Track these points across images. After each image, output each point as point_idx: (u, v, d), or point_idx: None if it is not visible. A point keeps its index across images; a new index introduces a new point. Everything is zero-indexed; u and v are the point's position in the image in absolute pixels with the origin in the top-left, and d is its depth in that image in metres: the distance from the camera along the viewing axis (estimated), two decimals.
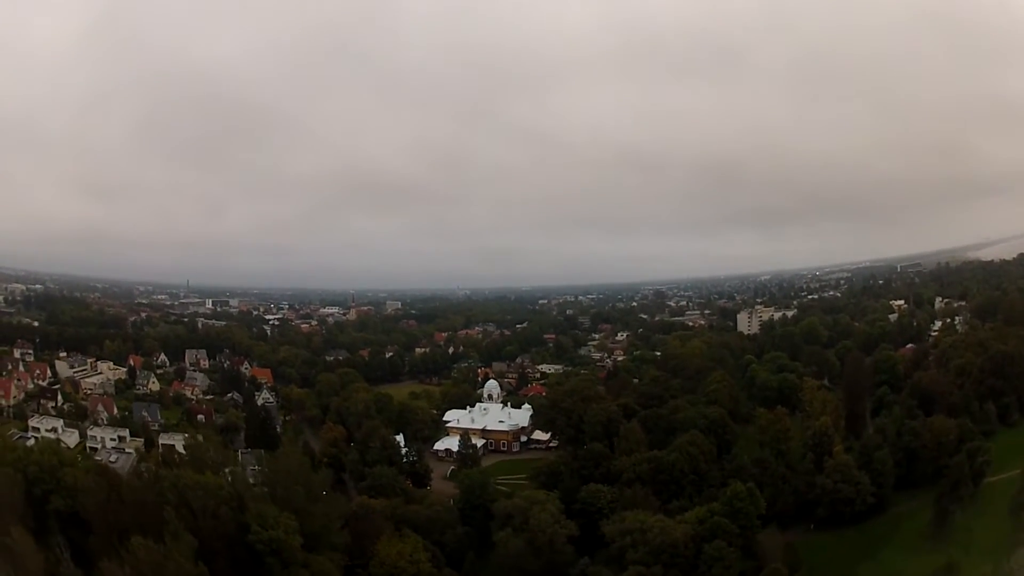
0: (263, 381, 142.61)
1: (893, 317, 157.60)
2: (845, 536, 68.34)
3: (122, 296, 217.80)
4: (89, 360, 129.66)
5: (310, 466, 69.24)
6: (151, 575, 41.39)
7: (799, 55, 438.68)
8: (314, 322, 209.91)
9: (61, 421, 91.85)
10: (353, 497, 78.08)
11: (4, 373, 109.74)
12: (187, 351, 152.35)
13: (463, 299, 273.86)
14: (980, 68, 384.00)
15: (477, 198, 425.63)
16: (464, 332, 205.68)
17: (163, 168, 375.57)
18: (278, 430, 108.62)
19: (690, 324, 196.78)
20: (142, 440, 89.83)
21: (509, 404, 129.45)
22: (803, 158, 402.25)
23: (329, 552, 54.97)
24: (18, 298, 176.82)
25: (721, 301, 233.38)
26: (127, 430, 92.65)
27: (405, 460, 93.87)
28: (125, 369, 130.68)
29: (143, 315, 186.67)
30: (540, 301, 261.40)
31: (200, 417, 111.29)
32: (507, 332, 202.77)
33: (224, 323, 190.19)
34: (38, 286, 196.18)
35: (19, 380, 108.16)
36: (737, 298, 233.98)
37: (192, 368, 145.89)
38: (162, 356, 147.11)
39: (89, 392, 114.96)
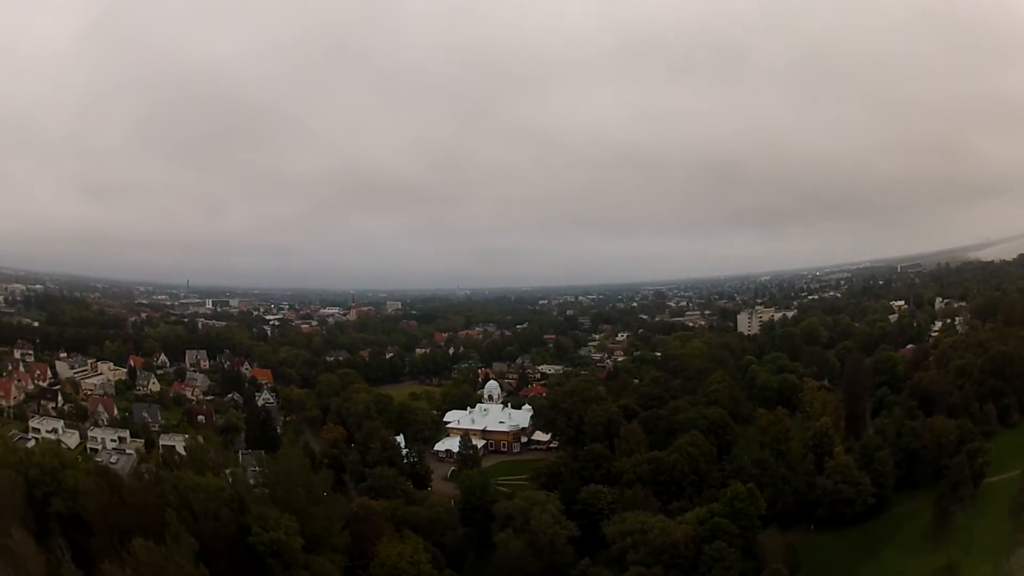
0: (263, 382, 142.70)
1: (893, 318, 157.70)
2: (846, 536, 68.40)
3: (122, 296, 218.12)
4: (89, 361, 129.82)
5: (311, 467, 69.13)
6: None
7: (799, 55, 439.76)
8: (314, 322, 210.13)
9: (61, 422, 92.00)
10: (354, 498, 77.98)
11: (4, 374, 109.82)
12: (187, 352, 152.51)
13: (463, 299, 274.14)
14: (980, 68, 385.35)
15: (477, 198, 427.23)
16: (464, 332, 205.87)
17: (163, 168, 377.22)
18: (278, 431, 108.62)
19: (690, 324, 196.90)
20: (142, 441, 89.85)
21: (509, 405, 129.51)
22: (803, 158, 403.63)
23: (330, 553, 54.90)
24: (18, 298, 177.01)
25: (721, 301, 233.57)
26: (127, 431, 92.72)
27: (405, 461, 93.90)
28: (125, 370, 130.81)
29: (143, 315, 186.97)
30: (540, 301, 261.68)
31: (200, 418, 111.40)
32: (507, 332, 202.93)
33: (224, 323, 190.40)
34: (38, 286, 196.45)
35: (19, 381, 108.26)
36: (737, 298, 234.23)
37: (192, 369, 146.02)
38: (162, 357, 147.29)
39: (89, 393, 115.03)
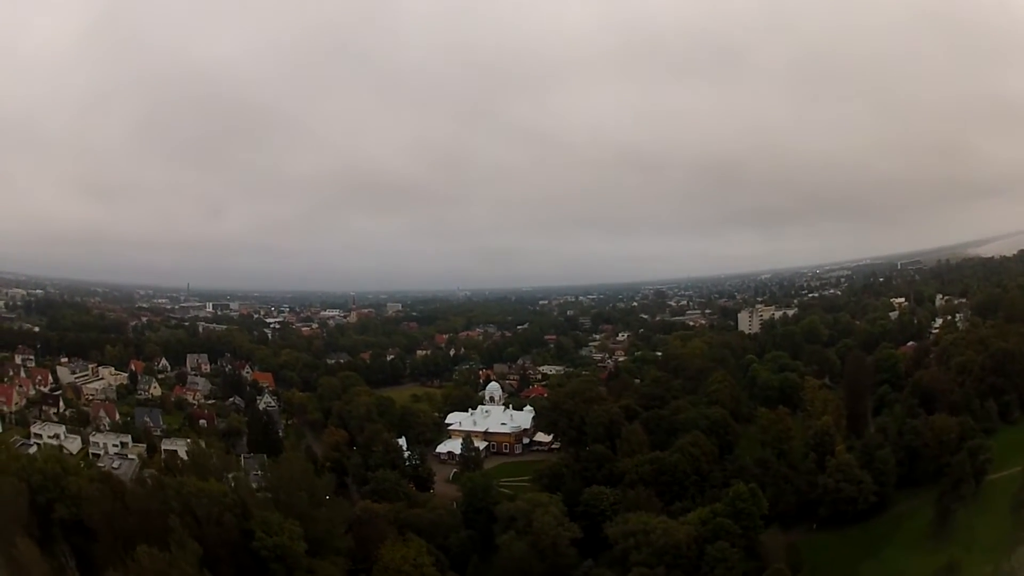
0: (265, 385, 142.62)
1: (894, 315, 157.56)
2: (847, 535, 68.50)
3: (123, 300, 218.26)
4: (90, 365, 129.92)
5: (313, 471, 69.29)
6: None
7: (799, 55, 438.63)
8: (315, 325, 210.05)
9: (63, 427, 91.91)
10: (356, 501, 78.06)
11: (6, 379, 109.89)
12: (188, 355, 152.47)
13: (464, 300, 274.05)
14: (980, 68, 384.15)
15: (477, 198, 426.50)
16: (465, 334, 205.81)
17: (163, 168, 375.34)
18: (280, 434, 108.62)
19: (691, 324, 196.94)
20: (144, 446, 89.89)
21: (511, 406, 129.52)
22: (803, 158, 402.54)
23: (333, 557, 55.10)
24: (19, 303, 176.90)
25: (722, 300, 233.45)
26: (129, 436, 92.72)
27: (407, 463, 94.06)
28: (126, 374, 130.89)
29: (144, 319, 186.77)
30: (541, 302, 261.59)
31: (202, 422, 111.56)
32: (508, 333, 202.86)
33: (225, 327, 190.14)
34: (39, 291, 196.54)
35: (21, 386, 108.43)
36: (738, 297, 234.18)
37: (193, 373, 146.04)
38: (163, 361, 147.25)
39: (91, 398, 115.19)
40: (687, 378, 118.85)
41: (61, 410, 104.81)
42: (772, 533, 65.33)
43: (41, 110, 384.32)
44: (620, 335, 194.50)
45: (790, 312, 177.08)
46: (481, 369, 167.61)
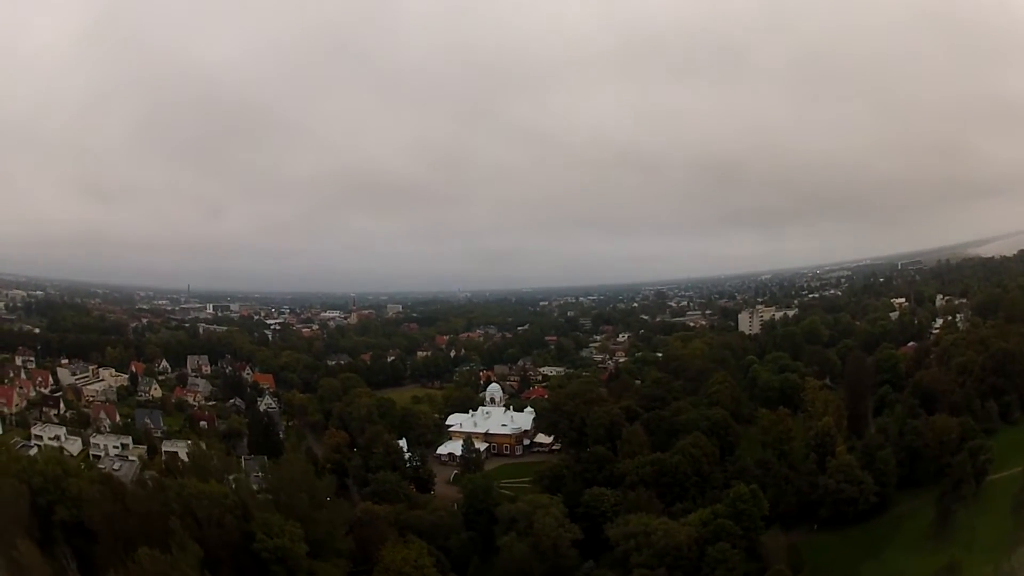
0: (265, 386, 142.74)
1: (894, 315, 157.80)
2: (848, 536, 68.46)
3: (123, 301, 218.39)
4: (91, 367, 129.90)
5: (314, 473, 69.18)
6: None
7: (799, 55, 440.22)
8: (315, 326, 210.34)
9: (64, 429, 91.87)
10: (357, 503, 77.97)
11: (6, 381, 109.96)
12: (189, 357, 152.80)
13: (464, 301, 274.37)
14: (980, 68, 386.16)
15: (477, 198, 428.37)
16: (465, 335, 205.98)
17: (163, 169, 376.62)
18: (281, 436, 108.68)
19: (691, 324, 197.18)
20: (145, 447, 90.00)
21: (511, 407, 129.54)
22: (803, 158, 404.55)
23: (334, 559, 55.05)
24: (19, 305, 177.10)
25: (722, 301, 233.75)
26: (130, 437, 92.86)
27: (408, 465, 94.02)
28: (127, 376, 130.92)
29: (144, 321, 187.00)
30: (541, 303, 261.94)
31: (202, 423, 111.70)
32: (508, 334, 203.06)
33: (225, 328, 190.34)
34: (39, 292, 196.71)
35: (21, 388, 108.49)
36: (738, 297, 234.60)
37: (194, 374, 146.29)
38: (164, 362, 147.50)
39: (91, 399, 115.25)
40: (688, 379, 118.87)
41: (61, 412, 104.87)
42: (773, 534, 65.18)
43: (41, 110, 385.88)
44: (620, 336, 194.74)
45: (790, 313, 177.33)
46: (482, 370, 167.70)
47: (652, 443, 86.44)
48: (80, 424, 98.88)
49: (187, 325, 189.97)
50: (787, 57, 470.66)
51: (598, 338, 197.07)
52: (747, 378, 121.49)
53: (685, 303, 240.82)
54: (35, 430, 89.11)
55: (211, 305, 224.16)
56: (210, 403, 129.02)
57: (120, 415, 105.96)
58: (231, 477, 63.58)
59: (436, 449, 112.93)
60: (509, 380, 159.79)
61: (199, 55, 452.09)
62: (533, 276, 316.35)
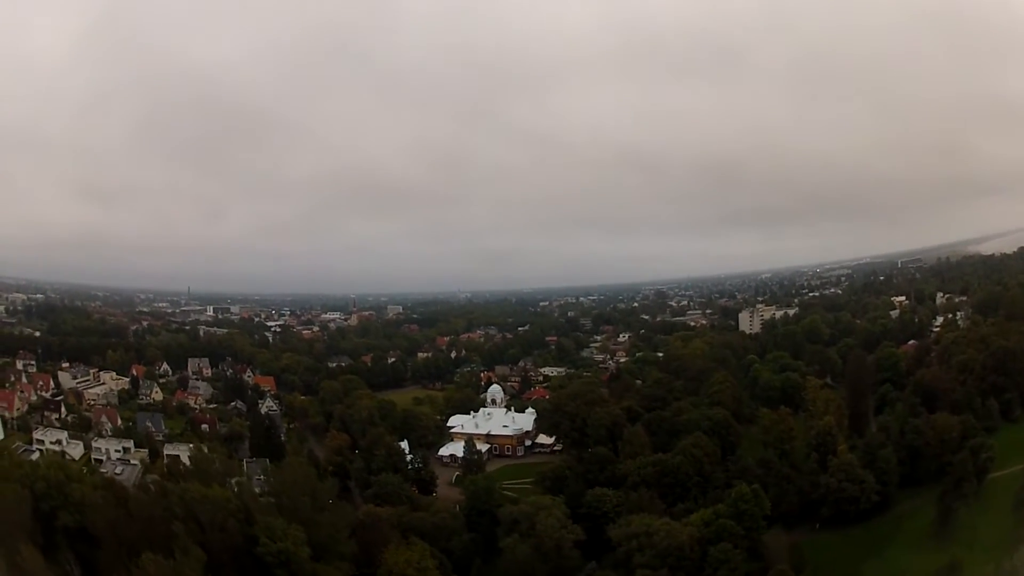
0: (266, 389, 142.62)
1: (895, 314, 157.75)
2: (850, 535, 68.58)
3: (123, 304, 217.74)
4: (92, 370, 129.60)
5: (316, 475, 69.41)
6: None
7: (799, 55, 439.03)
8: (316, 328, 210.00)
9: (65, 433, 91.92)
10: (359, 505, 78.13)
11: (7, 385, 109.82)
12: (189, 360, 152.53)
13: (464, 302, 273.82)
14: (980, 68, 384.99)
15: (477, 198, 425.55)
16: (466, 336, 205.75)
17: (163, 170, 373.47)
18: (282, 438, 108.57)
19: (692, 324, 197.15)
20: (147, 451, 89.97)
21: (512, 408, 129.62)
22: (803, 158, 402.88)
23: (337, 562, 55.18)
24: (19, 308, 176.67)
25: (722, 300, 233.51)
26: (131, 441, 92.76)
27: (410, 467, 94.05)
28: (128, 379, 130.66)
29: (145, 323, 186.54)
30: (541, 303, 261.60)
31: (204, 427, 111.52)
32: (509, 335, 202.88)
33: (226, 331, 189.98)
34: (39, 296, 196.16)
35: (22, 392, 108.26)
36: (738, 297, 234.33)
37: (195, 377, 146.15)
38: (164, 365, 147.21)
39: (92, 403, 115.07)
40: (688, 379, 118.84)
41: (63, 415, 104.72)
42: (775, 534, 65.36)
43: (41, 111, 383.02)
44: (621, 336, 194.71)
45: (791, 312, 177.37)
46: (482, 371, 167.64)
47: (653, 443, 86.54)
48: (82, 428, 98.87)
49: (188, 328, 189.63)
50: (787, 57, 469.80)
51: (599, 338, 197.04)
52: (748, 377, 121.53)
53: (685, 303, 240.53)
54: (37, 434, 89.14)
55: (211, 307, 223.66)
56: (211, 406, 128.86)
57: (121, 419, 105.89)
58: (233, 480, 63.82)
59: (438, 451, 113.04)
60: (510, 381, 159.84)
61: (199, 55, 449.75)
62: (533, 276, 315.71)
